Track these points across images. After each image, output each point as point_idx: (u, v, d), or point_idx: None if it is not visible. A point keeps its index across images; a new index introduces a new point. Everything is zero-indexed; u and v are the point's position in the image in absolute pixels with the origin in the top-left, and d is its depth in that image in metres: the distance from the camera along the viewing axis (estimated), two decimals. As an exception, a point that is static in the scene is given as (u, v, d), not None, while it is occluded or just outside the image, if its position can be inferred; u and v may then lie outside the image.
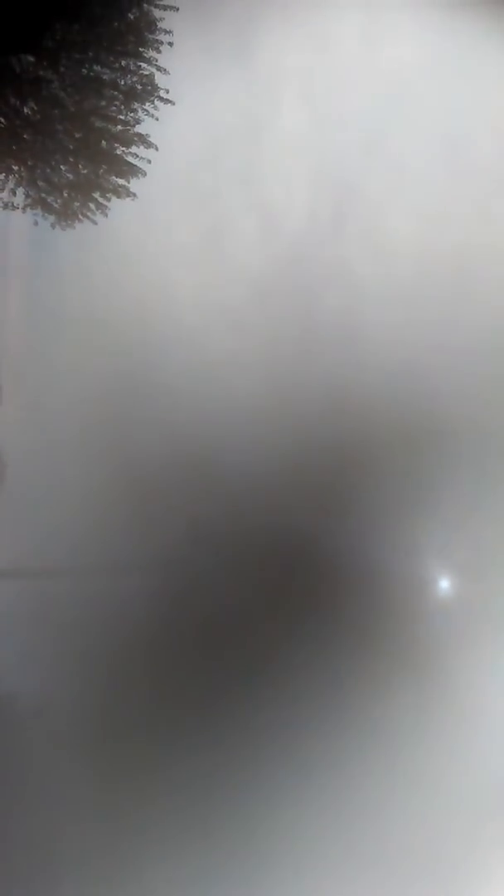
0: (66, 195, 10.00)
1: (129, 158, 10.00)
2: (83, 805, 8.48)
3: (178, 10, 9.02)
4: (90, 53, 9.19)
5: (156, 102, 9.85)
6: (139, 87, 9.77)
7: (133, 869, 8.38)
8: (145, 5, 9.06)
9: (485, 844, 7.96)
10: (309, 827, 8.15)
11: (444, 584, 8.85)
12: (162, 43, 9.65)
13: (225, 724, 8.50)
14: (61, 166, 9.91)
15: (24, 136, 9.60)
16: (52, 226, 10.02)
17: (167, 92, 9.55)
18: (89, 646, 8.97)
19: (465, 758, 8.13)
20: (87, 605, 9.10)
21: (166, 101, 9.68)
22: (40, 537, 9.33)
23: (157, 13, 9.11)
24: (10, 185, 9.91)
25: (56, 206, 10.07)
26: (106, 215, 10.16)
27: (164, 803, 8.39)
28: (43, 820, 8.53)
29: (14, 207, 10.07)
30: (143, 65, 9.55)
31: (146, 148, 9.95)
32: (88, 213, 10.06)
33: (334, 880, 7.96)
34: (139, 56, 9.58)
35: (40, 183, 9.92)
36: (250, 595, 8.98)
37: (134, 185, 10.18)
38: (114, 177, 10.12)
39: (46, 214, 10.04)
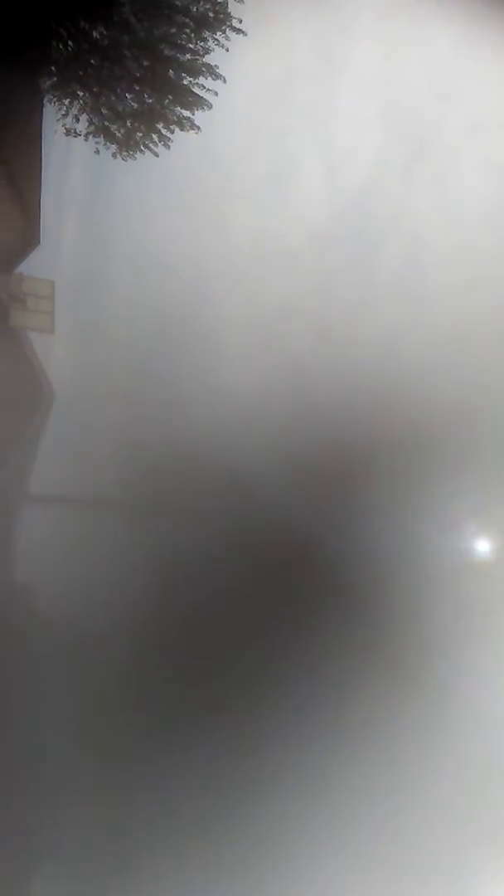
0: (129, 124, 10.15)
1: (196, 89, 10.06)
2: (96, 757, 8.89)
3: None
4: (164, -24, 9.22)
5: (227, 32, 9.83)
6: (211, 14, 9.78)
7: (131, 865, 8.67)
8: None
9: (487, 844, 8.14)
10: (309, 823, 8.41)
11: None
12: (238, -31, 9.60)
13: (225, 721, 8.77)
14: (126, 94, 10.04)
15: (92, 61, 9.75)
16: (114, 155, 10.18)
17: (240, 22, 9.52)
18: (127, 579, 9.33)
19: (467, 756, 8.28)
20: (128, 538, 9.43)
21: (238, 31, 9.66)
22: (85, 467, 9.68)
23: None
24: (74, 111, 10.11)
25: (118, 135, 10.23)
26: (168, 147, 10.26)
27: (161, 797, 8.76)
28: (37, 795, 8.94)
29: (76, 134, 10.26)
30: (217, -10, 9.54)
31: (214, 80, 9.99)
32: (150, 145, 10.17)
33: (334, 880, 8.18)
34: (214, -20, 9.58)
35: (104, 111, 10.10)
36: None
37: (199, 117, 10.24)
38: (179, 108, 10.21)
39: (108, 143, 10.19)
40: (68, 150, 10.31)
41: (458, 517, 9.03)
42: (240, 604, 9.10)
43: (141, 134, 10.03)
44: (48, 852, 8.80)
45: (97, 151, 10.09)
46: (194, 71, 9.79)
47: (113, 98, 9.88)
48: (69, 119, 9.91)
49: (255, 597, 9.01)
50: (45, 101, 9.96)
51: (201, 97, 9.88)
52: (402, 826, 8.16)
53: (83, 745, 8.82)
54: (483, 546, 8.87)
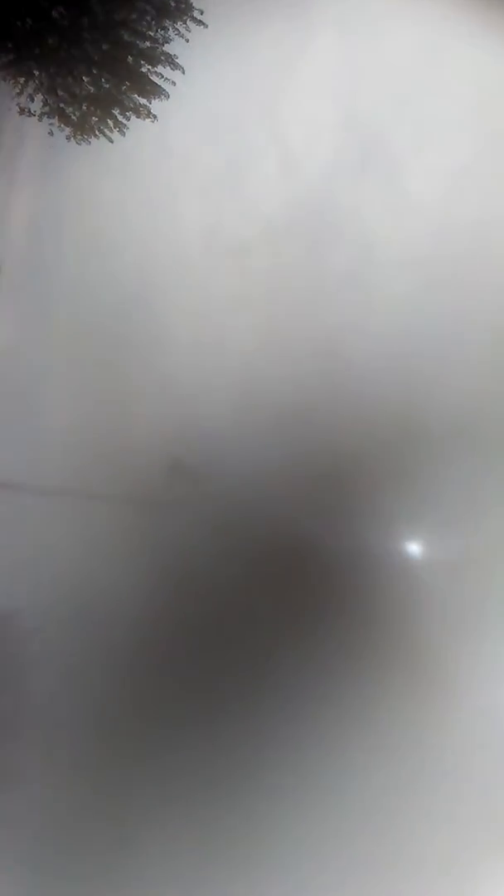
0: (84, 108, 10.10)
1: (154, 78, 10.06)
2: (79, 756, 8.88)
3: None
4: (127, -42, 9.19)
5: (188, 23, 9.88)
6: (173, 3, 9.81)
7: (130, 863, 8.59)
8: None
9: (487, 843, 8.32)
10: (309, 822, 8.48)
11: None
12: (202, -42, 9.62)
13: (225, 718, 8.80)
14: (83, 77, 9.99)
15: (49, 40, 9.65)
16: (68, 138, 10.11)
17: (201, 13, 9.57)
18: (84, 568, 9.26)
19: (467, 756, 8.45)
20: (72, 526, 9.36)
21: (199, 22, 9.72)
22: (30, 454, 9.58)
23: None
24: (29, 90, 9.99)
25: (73, 117, 10.17)
26: (123, 134, 10.25)
27: (161, 797, 8.72)
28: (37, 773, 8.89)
29: (30, 114, 10.15)
30: (181, -21, 9.54)
31: (172, 69, 10.01)
32: (106, 130, 10.14)
33: (334, 878, 8.27)
34: (177, -32, 9.57)
35: (60, 92, 10.01)
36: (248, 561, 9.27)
37: (156, 106, 10.25)
38: (136, 95, 10.21)
39: (63, 126, 10.11)
40: (21, 130, 10.18)
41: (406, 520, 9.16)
42: (222, 597, 9.13)
43: (96, 119, 9.98)
44: (47, 849, 8.78)
45: (51, 133, 9.99)
46: (153, 59, 9.79)
47: (70, 80, 9.80)
48: (23, 98, 9.78)
49: (233, 586, 9.04)
50: (-1, 78, 9.81)
51: (159, 86, 9.88)
52: (402, 825, 8.27)
53: (76, 744, 8.71)
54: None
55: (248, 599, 9.47)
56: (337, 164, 9.95)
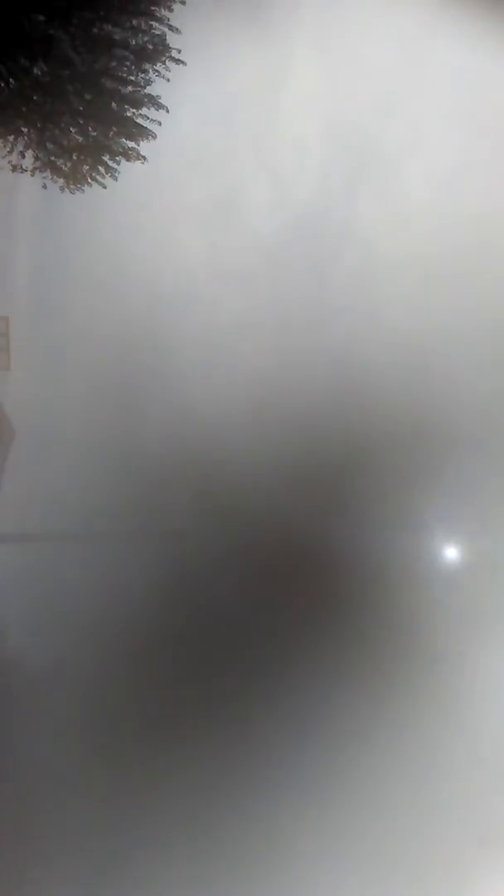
0: (75, 158, 10.30)
1: (140, 120, 10.26)
2: (82, 785, 8.78)
3: (189, -33, 9.18)
4: (101, 12, 9.44)
5: (167, 63, 10.07)
6: (150, 46, 10.02)
7: (131, 862, 8.65)
8: (156, -36, 9.23)
9: (487, 843, 8.03)
10: (308, 824, 8.32)
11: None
12: (174, 1, 9.81)
13: (224, 716, 8.70)
14: (71, 128, 10.21)
15: (34, 97, 9.91)
16: (61, 189, 10.31)
17: (179, 52, 9.75)
18: (92, 616, 9.25)
19: (467, 756, 8.22)
20: (92, 574, 9.36)
21: (178, 61, 9.89)
22: (46, 504, 9.64)
23: (168, -29, 9.27)
24: (20, 147, 10.23)
25: (65, 168, 10.37)
26: (115, 179, 10.42)
27: (163, 792, 8.61)
28: (41, 801, 8.83)
29: (23, 170, 10.37)
30: (155, 24, 9.80)
31: (157, 109, 10.19)
32: (97, 177, 10.33)
33: (334, 877, 8.04)
34: (151, 15, 9.82)
35: (49, 145, 10.24)
36: (252, 574, 9.17)
37: (144, 147, 10.43)
38: (124, 139, 10.40)
39: (55, 178, 10.33)
40: (15, 185, 10.40)
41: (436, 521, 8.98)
42: (233, 615, 9.02)
43: (87, 167, 10.18)
44: (47, 851, 8.76)
45: (45, 186, 10.19)
46: (137, 102, 9.99)
47: (57, 132, 10.02)
48: (15, 156, 10.01)
49: (248, 607, 8.93)
50: (-11, 139, 10.07)
51: (145, 127, 10.05)
52: (402, 825, 8.05)
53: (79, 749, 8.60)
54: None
55: (254, 608, 9.35)
56: (328, 179, 10.05)
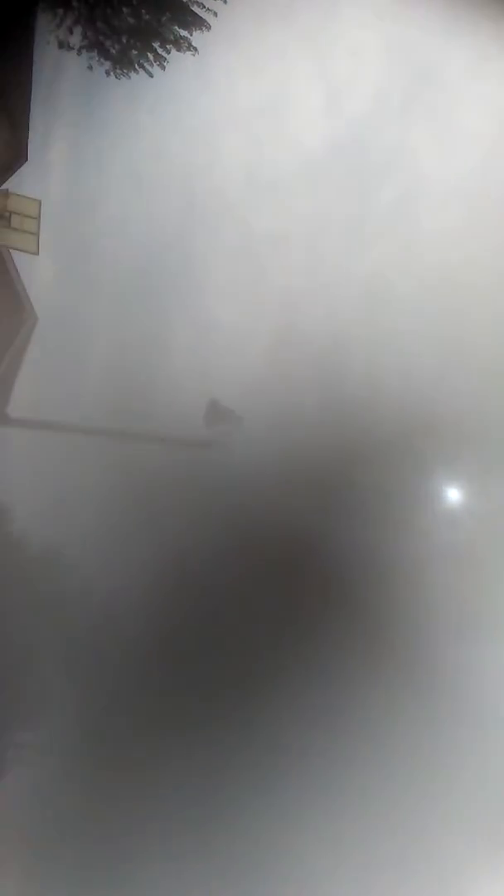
0: (124, 41, 10.01)
1: (195, 8, 9.91)
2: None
3: None
4: None
5: (229, -49, 9.66)
6: None
7: (130, 866, 8.81)
8: None
9: (488, 843, 8.37)
10: (309, 826, 8.60)
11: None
12: None
13: (225, 716, 8.91)
14: (123, 8, 9.87)
15: (88, -30, 9.52)
16: (107, 73, 10.04)
17: None
18: (120, 507, 9.39)
19: (467, 755, 8.48)
20: (109, 465, 9.49)
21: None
22: (66, 392, 9.70)
23: None
24: (68, 22, 9.93)
25: (113, 51, 10.11)
26: (164, 68, 10.13)
27: (161, 797, 8.99)
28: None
29: (69, 48, 10.08)
30: None
31: (214, 0, 9.83)
32: (145, 64, 10.05)
33: (334, 882, 8.41)
34: None
35: (99, 24, 9.94)
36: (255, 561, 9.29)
37: (196, 38, 10.10)
38: (176, 27, 10.07)
39: (102, 60, 10.05)
40: (60, 64, 10.12)
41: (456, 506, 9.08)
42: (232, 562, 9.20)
43: (136, 52, 9.89)
44: (44, 857, 8.94)
45: (90, 67, 9.94)
46: (194, -12, 9.60)
47: (109, 11, 9.72)
48: (62, 31, 9.72)
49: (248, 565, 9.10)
50: (38, 9, 9.74)
51: (200, 17, 9.72)
52: (402, 825, 8.37)
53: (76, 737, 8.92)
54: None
55: (251, 599, 9.51)
56: (383, 96, 9.74)
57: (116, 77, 10.21)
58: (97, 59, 10.16)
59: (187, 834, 8.78)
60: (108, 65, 10.20)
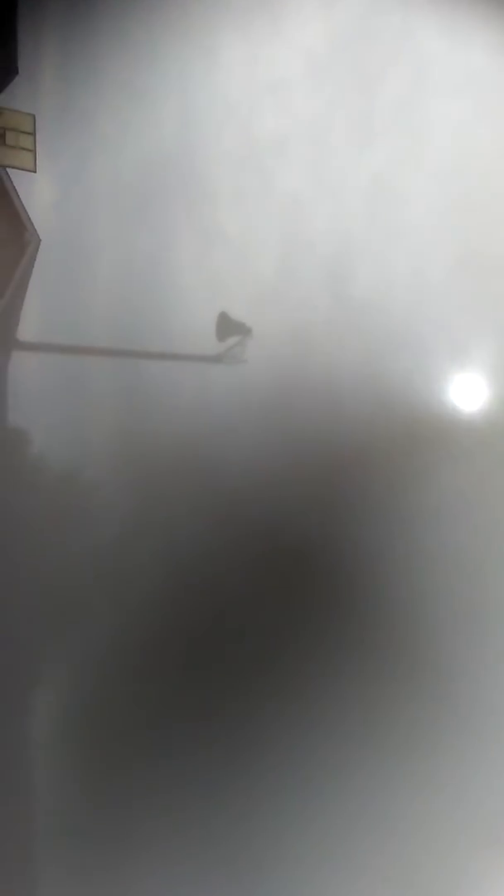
0: None
1: None
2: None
3: None
4: None
5: None
6: None
7: (130, 865, 8.80)
8: None
9: (489, 844, 8.48)
10: (309, 826, 8.70)
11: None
12: None
13: (225, 718, 8.95)
14: None
15: None
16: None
17: None
18: (136, 426, 9.45)
19: (468, 755, 8.57)
20: (116, 385, 9.55)
21: None
22: (72, 314, 9.69)
23: None
24: None
25: None
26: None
27: (161, 797, 8.97)
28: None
29: None
30: None
31: None
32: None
33: (334, 883, 8.52)
34: None
35: None
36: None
37: None
38: None
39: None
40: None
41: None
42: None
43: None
44: (42, 855, 8.90)
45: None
46: None
47: None
48: None
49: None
50: None
51: None
52: (403, 825, 8.52)
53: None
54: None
55: (251, 597, 9.54)
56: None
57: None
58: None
59: (187, 831, 8.87)
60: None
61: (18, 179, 10.39)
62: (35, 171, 10.26)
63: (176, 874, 8.59)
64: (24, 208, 10.47)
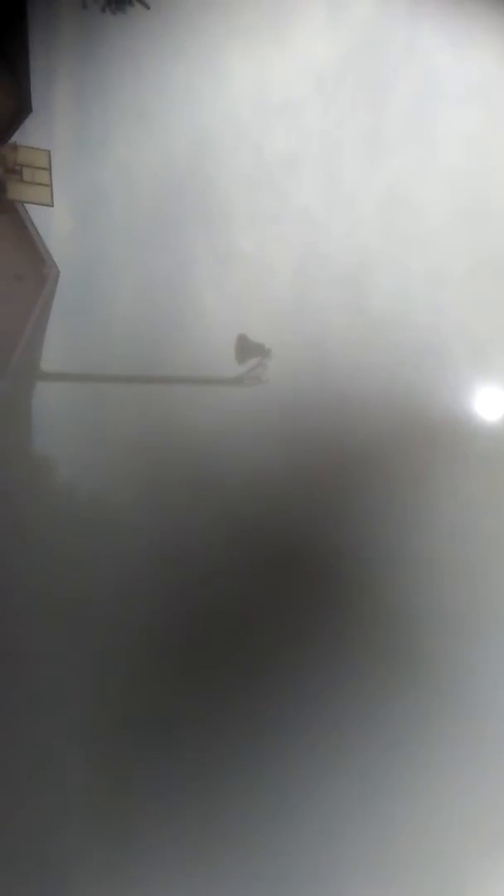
0: (113, -28, 9.91)
1: None
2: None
3: None
4: None
5: None
6: None
7: (130, 863, 8.85)
8: None
9: (489, 842, 8.36)
10: (309, 824, 8.65)
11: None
12: None
13: (226, 717, 8.97)
14: None
15: None
16: (102, 9, 9.99)
17: None
18: (140, 452, 9.58)
19: (468, 754, 8.48)
20: (139, 410, 9.68)
21: None
22: (96, 342, 9.88)
23: None
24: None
25: (104, -16, 10.01)
26: (158, -1, 10.03)
27: (163, 799, 9.02)
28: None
29: (60, -14, 10.04)
30: None
31: None
32: (140, -4, 9.97)
33: (334, 881, 8.54)
34: None
35: (88, -43, 9.83)
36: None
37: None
38: (167, -48, 9.92)
39: (96, -5, 9.98)
40: (54, 5, 10.11)
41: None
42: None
43: (128, -18, 9.79)
44: (42, 856, 8.95)
45: (84, 5, 9.89)
46: None
47: None
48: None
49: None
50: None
51: None
52: (403, 825, 8.43)
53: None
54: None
55: (250, 598, 9.53)
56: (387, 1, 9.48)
57: (112, 13, 10.16)
58: (91, -6, 10.11)
59: (188, 829, 8.90)
60: (102, 1, 10.14)
61: (36, 213, 10.69)
62: (52, 205, 10.55)
63: (178, 871, 8.61)
64: (42, 242, 10.77)
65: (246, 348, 10.15)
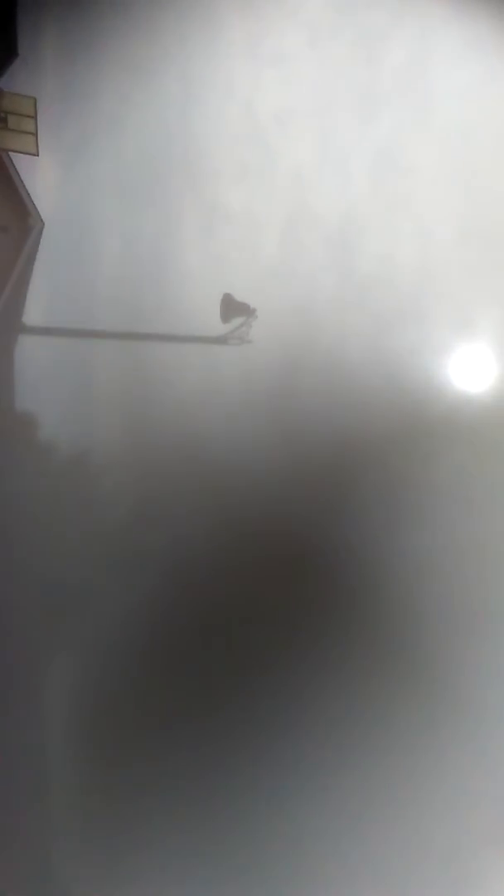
0: None
1: None
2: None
3: None
4: None
5: None
6: None
7: (130, 867, 8.88)
8: None
9: (489, 841, 8.45)
10: (310, 823, 8.70)
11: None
12: None
13: (226, 717, 8.99)
14: None
15: None
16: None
17: None
18: (143, 409, 9.55)
19: (468, 753, 8.53)
20: (122, 367, 9.65)
21: None
22: (80, 296, 9.80)
23: None
24: None
25: None
26: None
27: (161, 797, 9.02)
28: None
29: None
30: None
31: None
32: None
33: (335, 880, 8.55)
34: None
35: None
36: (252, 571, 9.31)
37: None
38: None
39: None
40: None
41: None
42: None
43: None
44: (44, 852, 9.01)
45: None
46: None
47: None
48: None
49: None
50: None
51: None
52: (405, 826, 8.50)
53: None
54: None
55: (250, 595, 9.54)
56: None
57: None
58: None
59: (188, 829, 8.91)
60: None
61: (21, 163, 10.51)
62: (37, 155, 10.39)
63: (176, 870, 8.70)
64: (27, 192, 10.62)
65: (231, 308, 10.11)
